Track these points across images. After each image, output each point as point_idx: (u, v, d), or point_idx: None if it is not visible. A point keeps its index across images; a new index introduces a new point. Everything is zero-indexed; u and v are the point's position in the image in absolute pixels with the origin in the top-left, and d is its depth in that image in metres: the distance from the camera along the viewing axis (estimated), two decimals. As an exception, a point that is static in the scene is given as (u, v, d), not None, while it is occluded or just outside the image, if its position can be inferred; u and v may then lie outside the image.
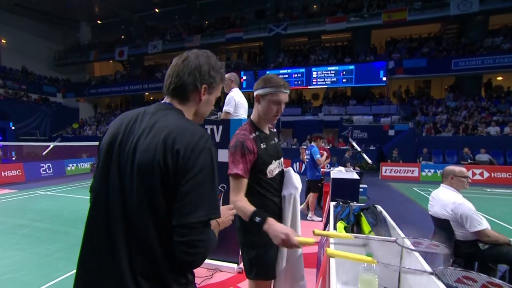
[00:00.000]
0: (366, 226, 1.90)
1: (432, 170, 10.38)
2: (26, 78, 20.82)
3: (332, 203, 2.30)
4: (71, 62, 23.25)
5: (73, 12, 21.56)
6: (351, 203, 2.21)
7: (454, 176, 2.43)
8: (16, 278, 3.02)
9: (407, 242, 1.34)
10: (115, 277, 0.78)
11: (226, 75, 3.54)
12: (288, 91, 1.57)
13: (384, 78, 15.05)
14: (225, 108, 3.29)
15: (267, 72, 19.34)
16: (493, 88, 15.28)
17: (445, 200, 2.41)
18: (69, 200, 7.00)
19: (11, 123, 16.40)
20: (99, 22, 23.76)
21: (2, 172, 9.14)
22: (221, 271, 3.10)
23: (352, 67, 16.05)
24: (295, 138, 15.12)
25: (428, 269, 1.07)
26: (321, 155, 5.17)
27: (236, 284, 2.87)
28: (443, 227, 2.45)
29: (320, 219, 5.14)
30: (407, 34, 17.24)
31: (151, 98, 23.26)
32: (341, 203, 2.24)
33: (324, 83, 16.99)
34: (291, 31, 17.39)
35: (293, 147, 14.26)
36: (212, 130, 3.18)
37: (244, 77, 17.66)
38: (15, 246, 3.95)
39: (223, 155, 3.13)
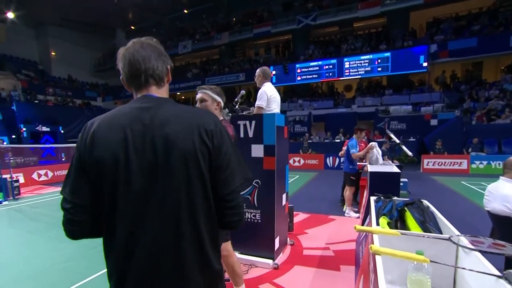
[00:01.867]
0: (411, 222, 1.76)
1: (485, 162, 9.42)
2: (71, 85, 22.73)
3: (373, 198, 2.17)
4: (109, 67, 24.88)
5: (110, 21, 22.98)
6: (393, 198, 2.06)
7: (520, 168, 2.15)
8: (68, 268, 3.30)
9: (464, 241, 1.20)
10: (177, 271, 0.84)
11: (257, 71, 3.51)
12: (200, 92, 1.94)
13: (425, 64, 13.95)
14: (257, 103, 3.27)
15: (297, 66, 19.00)
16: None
17: (507, 194, 2.14)
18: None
19: (60, 127, 18.01)
20: (132, 27, 25.07)
21: (55, 172, 10.10)
22: (257, 266, 3.10)
23: (388, 54, 15.13)
24: (328, 132, 14.69)
25: (495, 271, 0.94)
26: (361, 149, 4.96)
27: (271, 279, 2.85)
28: (504, 224, 2.18)
29: (357, 215, 4.93)
30: (453, 12, 15.69)
31: (182, 97, 24.10)
32: (382, 197, 2.10)
33: (357, 73, 16.27)
34: (321, 21, 16.84)
35: (325, 140, 13.88)
36: (244, 125, 3.14)
37: (274, 72, 17.50)
38: (67, 238, 4.32)
39: (256, 150, 3.12)
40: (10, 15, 18.33)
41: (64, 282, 2.94)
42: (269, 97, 3.28)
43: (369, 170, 3.77)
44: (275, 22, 17.97)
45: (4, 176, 7.12)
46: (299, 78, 17.89)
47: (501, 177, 2.30)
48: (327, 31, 19.42)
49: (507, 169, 2.25)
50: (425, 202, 1.85)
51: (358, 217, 4.84)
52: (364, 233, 3.39)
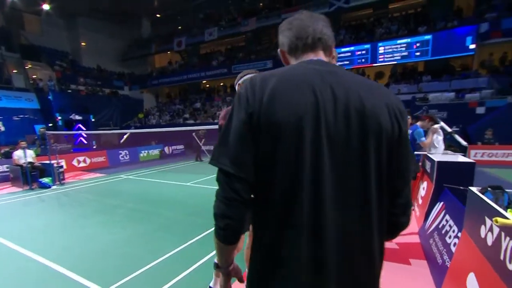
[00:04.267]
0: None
1: (544, 154, 8.71)
2: (100, 74, 23.48)
3: (475, 188, 1.97)
4: (135, 56, 25.42)
5: (135, 10, 23.31)
6: (506, 190, 1.86)
7: None
8: (129, 253, 3.37)
9: None
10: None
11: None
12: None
13: (473, 46, 12.93)
14: None
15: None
16: None
17: None
18: (149, 184, 7.71)
19: (91, 116, 18.75)
20: (158, 15, 25.27)
21: (92, 159, 10.54)
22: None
23: (428, 37, 14.19)
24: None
25: None
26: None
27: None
28: None
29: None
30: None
31: (207, 86, 24.18)
32: (489, 189, 1.91)
33: (392, 59, 15.48)
34: (354, 3, 16.06)
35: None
36: None
37: (302, 58, 17.08)
38: (118, 224, 4.46)
39: None
40: (46, 7, 19.01)
41: (128, 266, 3.00)
42: None
43: (436, 159, 3.52)
44: (305, 5, 17.34)
45: (51, 162, 7.50)
46: (329, 65, 17.34)
47: None
48: (359, 14, 18.52)
49: None
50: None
51: (412, 209, 4.61)
52: (435, 226, 3.19)
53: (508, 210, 1.57)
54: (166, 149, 14.56)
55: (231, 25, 20.12)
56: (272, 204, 0.72)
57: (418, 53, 14.67)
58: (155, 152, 13.86)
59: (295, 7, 17.73)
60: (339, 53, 16.85)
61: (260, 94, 0.71)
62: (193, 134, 12.08)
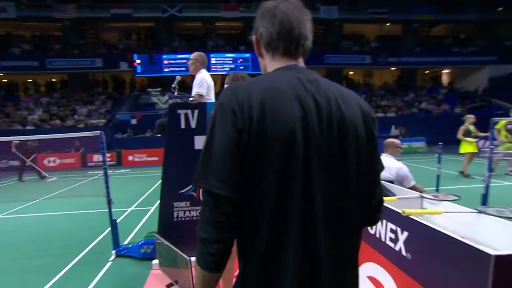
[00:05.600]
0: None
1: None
2: None
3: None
4: None
5: None
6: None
7: (395, 147, 3.24)
8: None
9: (428, 196, 1.83)
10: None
11: (192, 55, 3.18)
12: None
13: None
14: (198, 90, 3.04)
15: (164, 57, 17.76)
16: (348, 80, 19.70)
17: (389, 165, 3.18)
18: None
19: None
20: None
21: None
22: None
23: (248, 55, 16.90)
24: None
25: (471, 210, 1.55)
26: None
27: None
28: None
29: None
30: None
31: (4, 80, 17.19)
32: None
33: (222, 69, 17.22)
34: (186, 14, 16.49)
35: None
36: (186, 115, 2.79)
37: (138, 61, 15.65)
38: None
39: (200, 142, 2.85)
40: None
41: None
42: (209, 84, 3.13)
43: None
44: (137, 6, 15.90)
45: None
46: (166, 70, 16.87)
47: (383, 153, 3.36)
48: (190, 25, 19.19)
49: (387, 148, 3.33)
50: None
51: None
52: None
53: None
54: None
55: (38, 6, 15.22)
56: (260, 227, 0.65)
57: (242, 67, 17.13)
58: None
59: (127, 4, 15.86)
60: (175, 60, 16.78)
61: (248, 106, 0.63)
62: (12, 145, 8.28)
